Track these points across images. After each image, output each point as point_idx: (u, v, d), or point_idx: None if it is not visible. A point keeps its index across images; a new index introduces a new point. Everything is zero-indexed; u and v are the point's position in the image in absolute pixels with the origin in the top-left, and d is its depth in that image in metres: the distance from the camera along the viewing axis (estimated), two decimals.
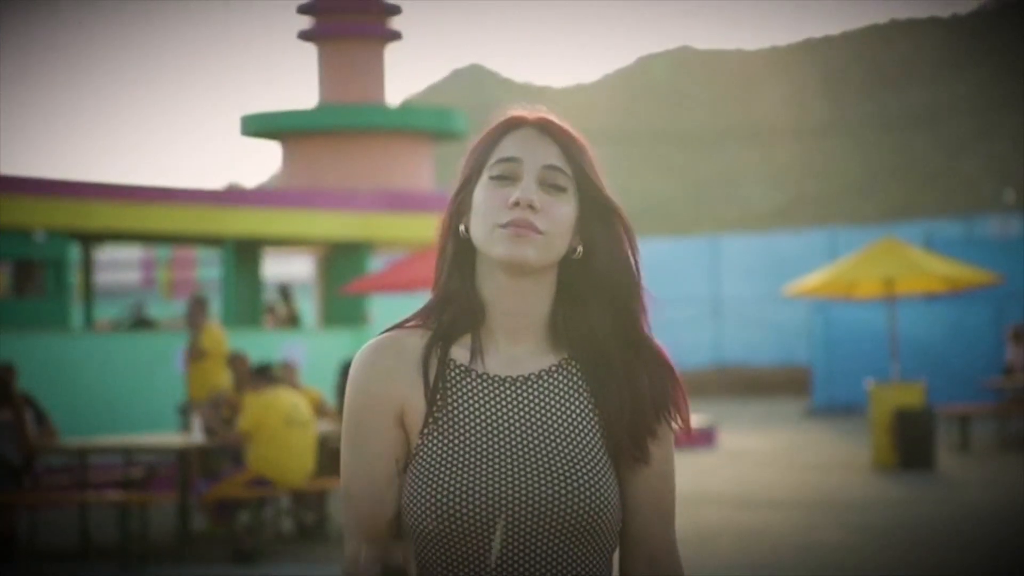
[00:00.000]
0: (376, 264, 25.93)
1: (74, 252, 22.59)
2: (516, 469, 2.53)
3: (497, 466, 2.53)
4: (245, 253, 23.38)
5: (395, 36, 26.65)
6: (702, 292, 39.88)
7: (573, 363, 2.62)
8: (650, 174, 76.18)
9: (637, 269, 2.63)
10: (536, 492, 2.51)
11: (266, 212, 22.95)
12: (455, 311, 2.61)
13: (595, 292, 2.60)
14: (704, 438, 23.52)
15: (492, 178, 2.58)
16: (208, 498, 12.81)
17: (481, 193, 2.59)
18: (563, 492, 2.51)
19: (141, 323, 26.96)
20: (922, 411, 19.39)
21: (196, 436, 13.67)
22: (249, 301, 23.59)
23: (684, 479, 18.35)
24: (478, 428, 2.56)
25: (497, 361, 2.61)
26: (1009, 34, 78.87)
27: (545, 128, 2.62)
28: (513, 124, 2.64)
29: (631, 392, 2.58)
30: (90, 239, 22.88)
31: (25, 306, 20.37)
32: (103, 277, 36.27)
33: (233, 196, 24.40)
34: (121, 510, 12.63)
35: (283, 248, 26.23)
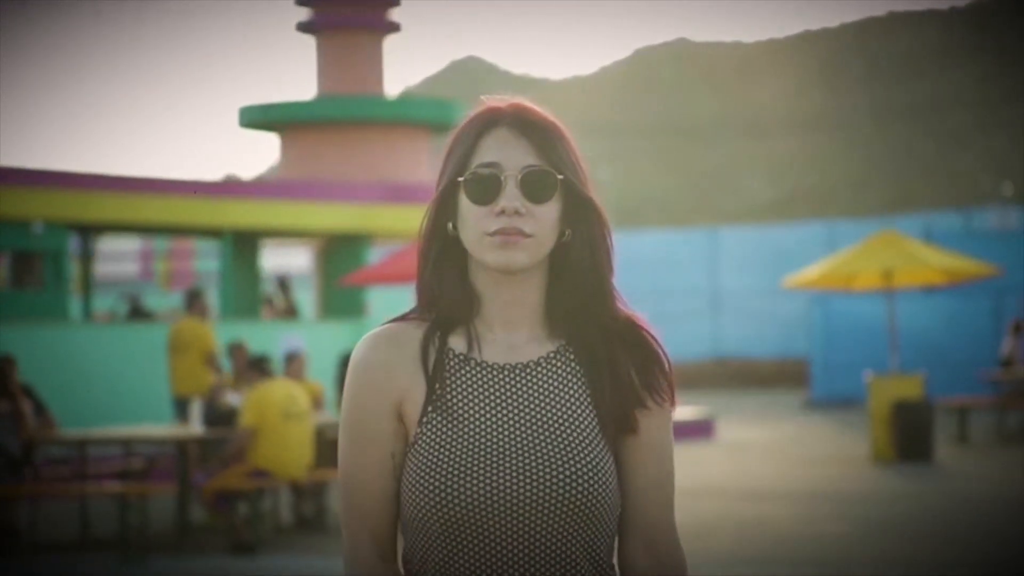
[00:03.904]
0: (375, 256, 25.93)
1: (72, 243, 22.58)
2: (514, 455, 2.54)
3: (496, 452, 2.54)
4: (243, 245, 23.38)
5: (394, 28, 26.63)
6: (701, 284, 39.88)
7: (570, 350, 2.64)
8: (648, 166, 76.15)
9: (609, 255, 2.64)
10: (534, 478, 2.53)
11: (264, 204, 22.94)
12: (450, 303, 2.62)
13: (575, 277, 2.62)
14: (703, 430, 23.54)
15: None
16: (207, 490, 12.81)
17: (466, 200, 2.59)
18: (561, 478, 2.53)
19: (137, 314, 26.96)
20: (921, 403, 19.41)
21: (195, 427, 13.67)
22: (247, 293, 23.59)
23: (683, 471, 18.37)
24: (476, 415, 2.57)
25: (495, 350, 2.63)
26: (1007, 26, 78.86)
27: (520, 123, 2.62)
28: (489, 121, 2.63)
29: (612, 373, 2.60)
30: (88, 230, 22.88)
31: (24, 298, 20.37)
32: (101, 268, 36.27)
33: (231, 188, 24.39)
34: (121, 501, 12.63)
35: (281, 240, 26.21)
